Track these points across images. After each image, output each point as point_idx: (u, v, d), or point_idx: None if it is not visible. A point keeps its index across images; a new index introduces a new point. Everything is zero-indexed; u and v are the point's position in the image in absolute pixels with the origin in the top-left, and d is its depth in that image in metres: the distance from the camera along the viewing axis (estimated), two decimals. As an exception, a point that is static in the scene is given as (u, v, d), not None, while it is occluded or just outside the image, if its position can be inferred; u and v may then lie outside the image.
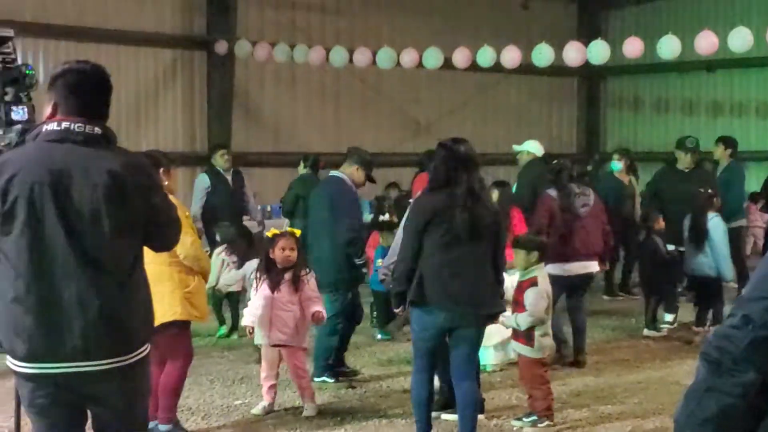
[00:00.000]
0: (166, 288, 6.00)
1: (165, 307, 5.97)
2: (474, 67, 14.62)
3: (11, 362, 3.78)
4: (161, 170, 6.07)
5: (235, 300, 10.08)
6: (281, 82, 17.08)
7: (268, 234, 7.34)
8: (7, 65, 4.03)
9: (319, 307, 7.16)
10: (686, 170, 10.94)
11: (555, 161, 9.48)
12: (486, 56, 13.98)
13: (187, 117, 16.22)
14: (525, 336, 6.75)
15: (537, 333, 6.72)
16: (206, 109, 16.25)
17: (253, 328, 7.22)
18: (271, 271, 7.11)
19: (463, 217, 5.92)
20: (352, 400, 7.64)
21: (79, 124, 3.74)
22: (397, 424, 6.84)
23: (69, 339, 3.68)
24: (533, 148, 11.52)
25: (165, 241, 4.12)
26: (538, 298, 6.72)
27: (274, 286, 7.06)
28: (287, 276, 7.07)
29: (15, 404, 4.84)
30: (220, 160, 12.62)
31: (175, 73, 16.07)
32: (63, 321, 3.67)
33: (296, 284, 7.07)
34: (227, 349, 9.48)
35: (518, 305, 6.80)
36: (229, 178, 12.62)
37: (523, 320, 6.69)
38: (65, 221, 3.66)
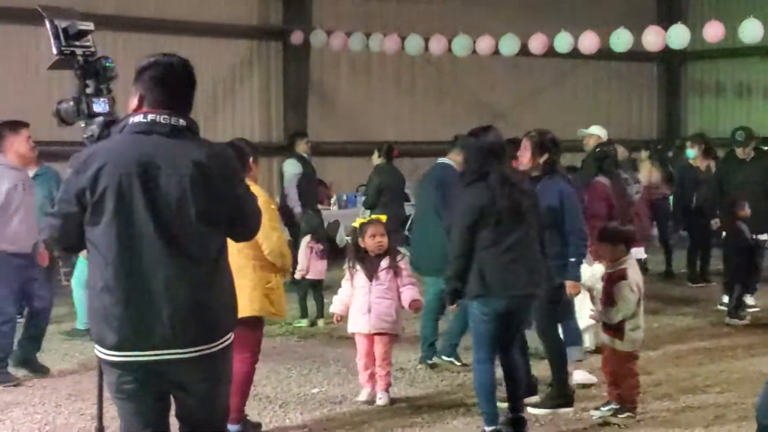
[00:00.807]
0: (247, 282, 5.93)
1: (245, 301, 5.78)
2: (551, 53, 14.48)
3: (99, 351, 3.85)
4: (249, 159, 6.09)
5: (320, 288, 10.14)
6: (356, 71, 17.11)
7: (355, 224, 7.35)
8: (88, 58, 4.09)
9: (417, 296, 7.18)
10: (747, 159, 10.82)
11: (598, 149, 9.34)
12: (563, 42, 13.83)
13: (264, 107, 16.35)
14: (615, 329, 6.66)
15: (627, 326, 6.63)
16: (282, 99, 16.36)
17: (341, 316, 7.26)
18: (365, 260, 7.14)
19: (505, 206, 6.03)
20: (428, 388, 7.63)
21: (165, 116, 3.81)
22: (475, 413, 6.82)
23: (157, 327, 3.74)
24: (599, 131, 11.41)
25: (246, 232, 4.16)
26: (628, 291, 6.61)
27: (371, 275, 7.09)
28: (384, 263, 7.10)
29: (97, 392, 4.92)
30: (305, 147, 12.67)
31: (252, 64, 16.20)
32: (152, 309, 3.73)
33: (395, 271, 7.09)
34: (304, 337, 9.54)
35: (608, 298, 6.69)
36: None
37: (614, 314, 6.60)
38: (153, 211, 3.73)
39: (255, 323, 6.18)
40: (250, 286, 6.01)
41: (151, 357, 3.77)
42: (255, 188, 5.94)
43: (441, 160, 8.50)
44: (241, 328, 5.86)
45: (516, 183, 6.18)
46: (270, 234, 5.96)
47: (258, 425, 6.60)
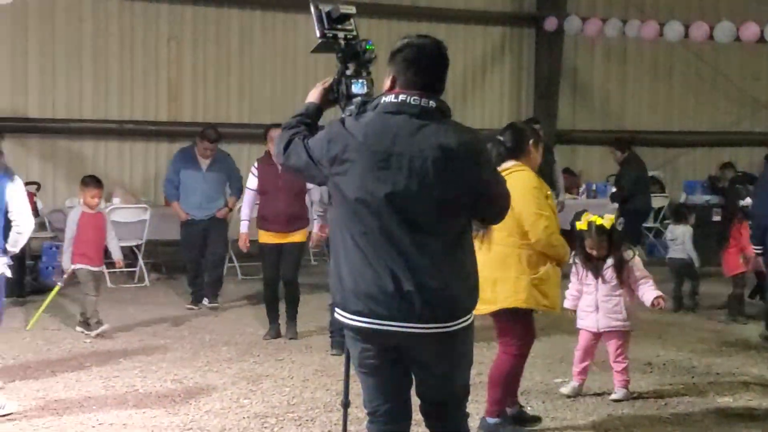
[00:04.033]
0: (511, 272, 5.78)
1: (507, 292, 5.79)
2: (823, 40, 13.64)
3: (341, 314, 3.95)
4: (529, 142, 5.95)
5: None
6: (611, 58, 16.74)
7: (581, 225, 6.96)
8: (350, 41, 4.19)
9: (656, 292, 6.82)
10: None
11: None
12: (837, 28, 12.99)
13: (514, 94, 16.29)
14: None
15: None
16: (533, 86, 16.24)
17: (572, 311, 7.14)
18: (590, 260, 6.97)
19: None
20: (678, 385, 7.38)
21: (415, 97, 3.85)
22: (729, 412, 6.55)
23: (397, 300, 3.80)
24: None
25: (491, 216, 4.17)
26: None
27: (597, 273, 6.94)
28: (609, 262, 6.91)
29: (344, 367, 5.05)
30: None
31: (504, 51, 16.18)
32: (393, 284, 3.79)
33: (620, 270, 6.87)
34: (549, 327, 9.45)
35: None
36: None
37: None
38: (396, 189, 3.78)
39: (519, 314, 5.92)
40: (514, 276, 5.80)
41: (391, 328, 3.82)
42: (528, 173, 5.83)
43: None
44: (503, 318, 5.89)
45: None
46: (536, 222, 5.71)
47: (536, 418, 6.40)
